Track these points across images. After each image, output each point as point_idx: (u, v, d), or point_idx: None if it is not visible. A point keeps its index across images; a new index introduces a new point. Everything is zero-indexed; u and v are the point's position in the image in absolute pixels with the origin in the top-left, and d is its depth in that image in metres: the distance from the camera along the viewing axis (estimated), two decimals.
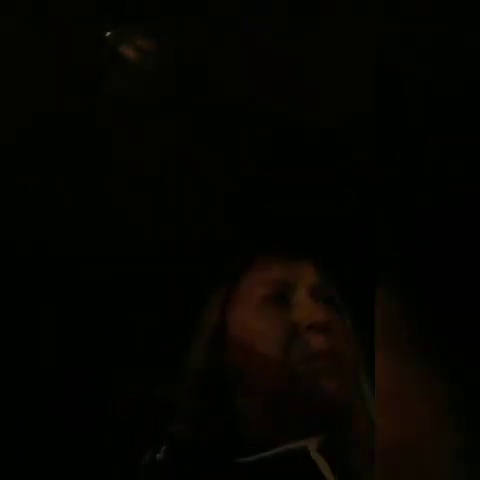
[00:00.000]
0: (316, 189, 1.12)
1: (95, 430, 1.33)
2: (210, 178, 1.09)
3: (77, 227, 1.19)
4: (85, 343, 1.35)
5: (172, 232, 1.20)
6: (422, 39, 0.55)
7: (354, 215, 1.14)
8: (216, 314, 0.83)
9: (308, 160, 1.08)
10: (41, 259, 1.27)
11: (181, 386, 0.82)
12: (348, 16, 0.84)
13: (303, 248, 0.90)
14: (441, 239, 0.48)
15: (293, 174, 1.09)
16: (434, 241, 0.50)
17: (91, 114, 0.97)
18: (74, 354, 1.35)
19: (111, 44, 0.89)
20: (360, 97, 1.00)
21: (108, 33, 0.88)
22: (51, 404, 1.34)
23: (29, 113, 0.99)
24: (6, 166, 1.03)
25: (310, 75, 0.97)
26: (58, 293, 1.34)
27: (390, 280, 0.52)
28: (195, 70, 0.90)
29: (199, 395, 0.78)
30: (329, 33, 0.87)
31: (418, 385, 0.49)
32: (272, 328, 0.78)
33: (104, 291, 1.27)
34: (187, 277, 1.20)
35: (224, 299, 0.83)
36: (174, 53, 0.91)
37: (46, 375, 1.35)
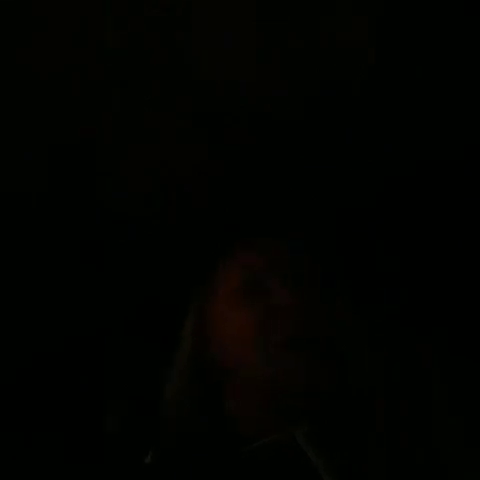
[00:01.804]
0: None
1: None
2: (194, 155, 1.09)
3: None
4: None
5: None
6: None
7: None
8: (196, 315, 0.83)
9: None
10: None
11: (167, 386, 0.82)
12: None
13: (279, 231, 0.90)
14: None
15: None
16: None
17: None
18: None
19: None
20: None
21: None
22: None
23: None
24: None
25: None
26: None
27: None
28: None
29: (186, 396, 0.78)
30: None
31: None
32: (247, 316, 0.77)
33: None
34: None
35: (202, 297, 0.83)
36: None
37: None
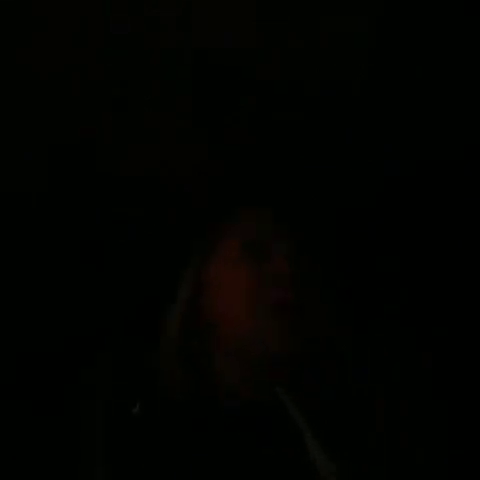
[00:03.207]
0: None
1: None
2: (194, 155, 1.09)
3: None
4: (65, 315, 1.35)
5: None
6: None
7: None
8: (193, 276, 0.84)
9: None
10: None
11: (161, 344, 0.82)
12: None
13: (286, 204, 0.91)
14: None
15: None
16: None
17: None
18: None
19: None
20: None
21: None
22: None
23: None
24: None
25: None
26: None
27: None
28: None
29: (176, 353, 0.79)
30: None
31: None
32: (243, 280, 0.79)
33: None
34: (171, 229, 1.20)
35: (202, 257, 0.85)
36: None
37: None
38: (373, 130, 1.08)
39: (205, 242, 0.88)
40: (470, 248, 1.25)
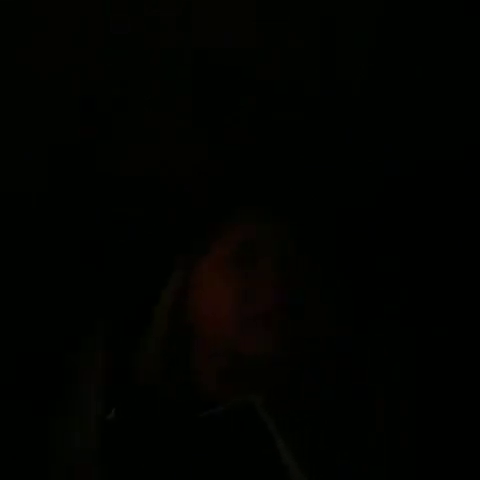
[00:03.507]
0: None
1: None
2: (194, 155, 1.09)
3: None
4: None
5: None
6: None
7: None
8: (180, 279, 0.84)
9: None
10: None
11: (144, 347, 0.82)
12: None
13: (276, 210, 0.91)
14: None
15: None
16: None
17: None
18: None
19: None
20: None
21: None
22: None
23: None
24: None
25: None
26: None
27: None
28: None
29: (159, 357, 0.79)
30: None
31: None
32: (230, 282, 0.79)
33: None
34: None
35: (189, 263, 0.84)
36: None
37: None
38: (373, 130, 1.08)
39: (196, 242, 0.88)
40: (470, 248, 1.25)
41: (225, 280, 0.81)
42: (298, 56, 0.93)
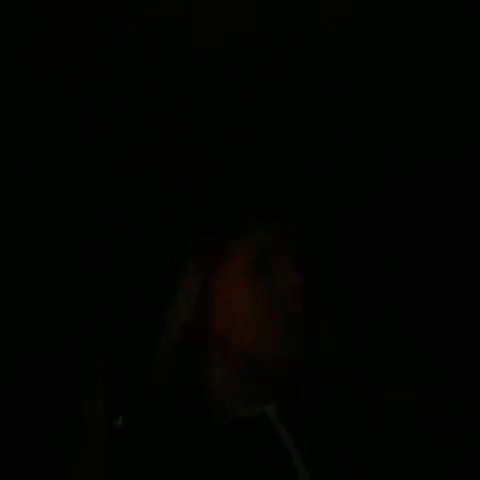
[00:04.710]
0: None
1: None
2: (194, 155, 1.09)
3: None
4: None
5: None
6: None
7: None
8: (197, 282, 0.83)
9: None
10: None
11: (158, 350, 0.82)
12: None
13: (289, 212, 0.91)
14: None
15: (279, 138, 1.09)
16: None
17: None
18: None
19: None
20: None
21: None
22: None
23: None
24: None
25: None
26: None
27: None
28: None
29: (171, 362, 0.79)
30: None
31: None
32: (253, 291, 0.78)
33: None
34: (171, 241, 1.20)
35: (206, 267, 0.84)
36: None
37: None
38: (373, 130, 1.08)
39: (210, 253, 0.87)
40: (470, 248, 1.25)
41: (247, 284, 0.80)
42: (298, 56, 0.93)
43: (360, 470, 0.73)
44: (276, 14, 0.86)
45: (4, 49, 0.88)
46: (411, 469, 1.00)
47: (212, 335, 0.79)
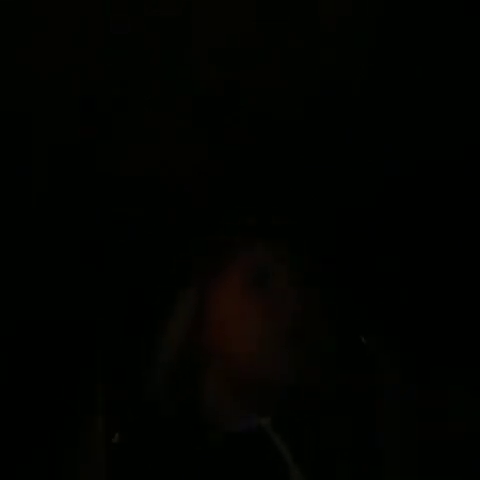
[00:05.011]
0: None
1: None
2: (194, 155, 1.09)
3: None
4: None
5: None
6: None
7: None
8: (194, 298, 0.83)
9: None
10: None
11: (153, 366, 0.82)
12: None
13: (285, 231, 0.91)
14: None
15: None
16: None
17: None
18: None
19: None
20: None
21: None
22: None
23: None
24: None
25: None
26: None
27: None
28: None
29: (167, 378, 0.78)
30: None
31: None
32: (252, 307, 0.78)
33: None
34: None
35: (203, 284, 0.84)
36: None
37: None
38: (373, 130, 1.08)
39: (207, 269, 0.87)
40: (470, 247, 1.25)
41: (246, 300, 0.80)
42: (298, 56, 0.93)
43: (360, 470, 0.73)
44: (276, 14, 0.86)
45: (4, 49, 0.88)
46: (411, 469, 1.00)
47: (209, 351, 0.79)
